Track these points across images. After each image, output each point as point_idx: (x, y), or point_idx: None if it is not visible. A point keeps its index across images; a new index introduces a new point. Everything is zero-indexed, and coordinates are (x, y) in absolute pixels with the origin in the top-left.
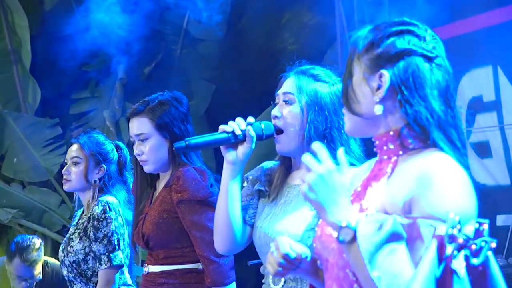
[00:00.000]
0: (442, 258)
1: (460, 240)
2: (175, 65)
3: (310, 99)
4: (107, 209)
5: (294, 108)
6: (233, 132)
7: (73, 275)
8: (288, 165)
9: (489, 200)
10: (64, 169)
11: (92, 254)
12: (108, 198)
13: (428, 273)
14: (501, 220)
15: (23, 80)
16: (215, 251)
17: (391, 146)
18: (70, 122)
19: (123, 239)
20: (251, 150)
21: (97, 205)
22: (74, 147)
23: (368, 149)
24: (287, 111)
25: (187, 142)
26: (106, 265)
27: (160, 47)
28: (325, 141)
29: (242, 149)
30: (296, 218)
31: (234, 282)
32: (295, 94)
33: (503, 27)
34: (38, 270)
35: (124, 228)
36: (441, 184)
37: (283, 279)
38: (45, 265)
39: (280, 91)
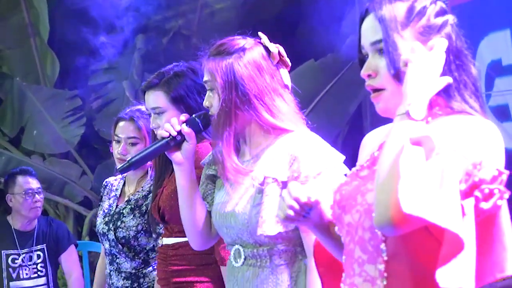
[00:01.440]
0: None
1: (476, 179)
2: (193, 33)
3: (223, 80)
4: None
5: (215, 94)
6: (170, 136)
7: (117, 250)
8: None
9: (510, 163)
10: (118, 148)
11: (154, 235)
12: None
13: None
14: None
15: (42, 52)
16: None
17: None
18: (89, 93)
19: None
20: (193, 146)
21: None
22: (129, 125)
23: None
24: (212, 98)
25: (129, 161)
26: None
27: (178, 16)
28: (242, 111)
29: (184, 148)
30: (242, 196)
31: None
32: (211, 80)
33: None
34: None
35: None
36: (469, 129)
37: (242, 256)
38: (50, 222)
39: (203, 80)
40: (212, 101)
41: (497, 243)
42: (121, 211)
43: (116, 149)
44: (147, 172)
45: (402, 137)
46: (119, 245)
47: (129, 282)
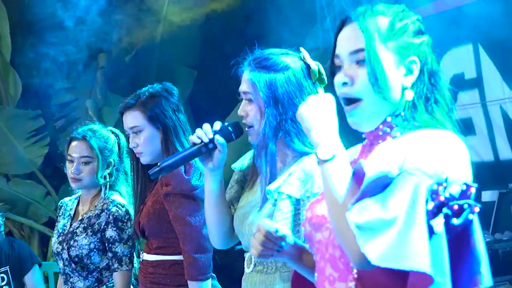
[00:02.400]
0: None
1: (442, 198)
2: (156, 52)
3: (265, 95)
4: (128, 210)
5: (254, 105)
6: (202, 143)
7: (71, 269)
8: None
9: (474, 176)
10: (72, 168)
11: (110, 254)
12: (119, 198)
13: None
14: (486, 196)
15: (4, 72)
16: (194, 246)
17: (387, 130)
18: (52, 113)
19: None
20: (225, 154)
21: (114, 205)
22: (82, 145)
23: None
24: (249, 109)
25: (161, 166)
26: (127, 266)
27: (140, 35)
28: (278, 134)
29: (216, 157)
30: (256, 207)
31: (209, 280)
32: (252, 92)
33: (483, 5)
34: None
35: None
36: (434, 144)
37: (252, 263)
38: (12, 243)
39: (240, 89)
40: (248, 112)
41: (470, 258)
42: (74, 230)
43: (70, 169)
44: (100, 191)
45: (332, 181)
46: (72, 263)
47: None
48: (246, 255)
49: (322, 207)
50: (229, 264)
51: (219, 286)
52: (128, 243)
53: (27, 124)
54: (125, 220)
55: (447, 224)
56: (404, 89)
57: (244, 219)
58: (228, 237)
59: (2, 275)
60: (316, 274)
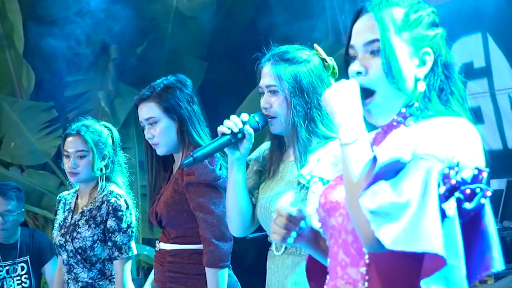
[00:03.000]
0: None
1: (453, 181)
2: (166, 43)
3: (290, 86)
4: (127, 200)
5: (279, 97)
6: (232, 133)
7: (75, 260)
8: (280, 143)
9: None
10: (69, 163)
11: (110, 243)
12: (117, 189)
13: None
14: (494, 184)
15: (17, 65)
16: (216, 234)
17: (401, 120)
18: (65, 104)
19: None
20: (251, 144)
21: (113, 195)
22: (76, 140)
23: None
24: (273, 101)
25: (194, 156)
26: (127, 254)
27: (151, 27)
28: (306, 122)
29: (243, 146)
30: (287, 192)
31: (227, 269)
32: (277, 84)
33: None
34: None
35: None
36: (446, 129)
37: (284, 246)
38: (33, 233)
39: (262, 84)
40: (272, 103)
41: (482, 242)
42: (76, 223)
43: (67, 164)
44: (97, 183)
45: (351, 163)
46: (78, 255)
47: None
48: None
49: (336, 192)
50: (241, 253)
51: (234, 275)
52: (127, 232)
53: (40, 116)
54: (124, 210)
55: (460, 208)
56: (417, 80)
57: (270, 206)
58: (247, 225)
59: (22, 264)
60: (329, 259)
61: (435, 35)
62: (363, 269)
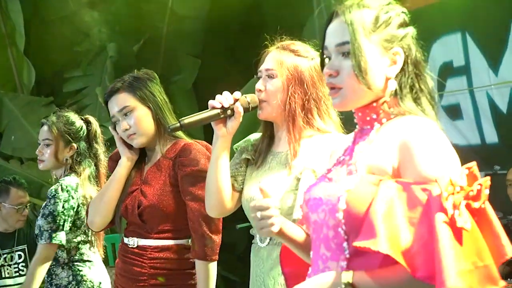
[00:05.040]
0: (446, 220)
1: (457, 196)
2: (162, 42)
3: (290, 73)
4: (59, 189)
5: (276, 81)
6: (222, 108)
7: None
8: (271, 133)
9: (461, 159)
10: (37, 150)
11: (38, 227)
12: (68, 179)
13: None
14: None
15: (18, 62)
16: (211, 226)
17: (374, 116)
18: (64, 100)
19: (72, 221)
20: (238, 123)
21: (55, 183)
22: (44, 128)
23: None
24: (269, 84)
25: (181, 122)
26: (46, 240)
27: (147, 25)
28: (303, 112)
29: (231, 123)
30: (276, 183)
31: (216, 263)
32: (277, 69)
33: None
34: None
35: (75, 210)
36: (423, 149)
37: (268, 237)
38: (30, 223)
39: (262, 67)
40: (266, 86)
41: (492, 232)
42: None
43: (37, 151)
44: (61, 175)
45: None
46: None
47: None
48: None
49: (319, 189)
50: (232, 242)
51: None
52: (47, 218)
53: (40, 110)
54: (50, 197)
55: (470, 211)
56: (388, 79)
57: (258, 196)
58: (224, 206)
59: (20, 252)
60: (311, 252)
61: (405, 35)
62: (343, 263)
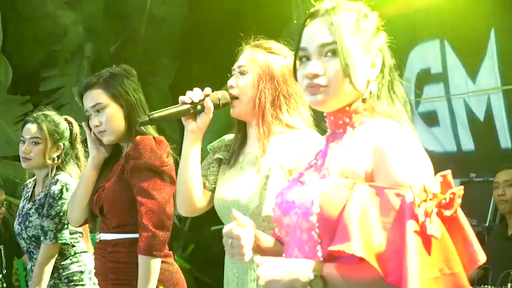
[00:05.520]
0: (417, 227)
1: (429, 204)
2: (139, 43)
3: (261, 70)
4: (65, 189)
5: (247, 78)
6: (192, 103)
7: (33, 247)
8: (244, 133)
9: (437, 166)
10: (23, 148)
11: (39, 228)
12: (65, 177)
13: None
14: None
15: None
16: (154, 220)
17: (347, 120)
18: (40, 99)
19: None
20: (209, 120)
21: (55, 183)
22: (33, 127)
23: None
24: (241, 80)
25: (150, 117)
26: (51, 240)
27: (125, 27)
28: (272, 108)
29: (201, 119)
30: (245, 184)
31: (160, 260)
32: (249, 65)
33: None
34: None
35: None
36: (397, 155)
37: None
38: (7, 223)
39: (236, 64)
40: (238, 83)
41: (464, 238)
42: (27, 212)
43: (21, 149)
44: (48, 174)
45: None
46: (33, 242)
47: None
48: None
49: (292, 193)
50: (207, 244)
51: (175, 264)
52: (54, 219)
53: (17, 109)
54: (57, 198)
55: (442, 218)
56: (369, 81)
57: (228, 196)
58: (194, 205)
59: None
60: (283, 255)
61: (381, 38)
62: None
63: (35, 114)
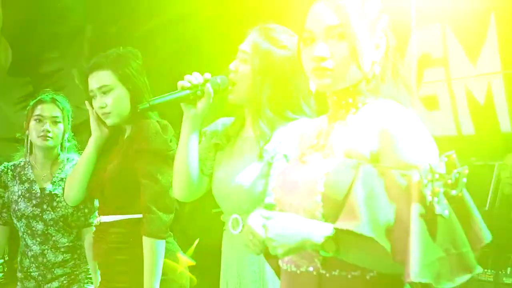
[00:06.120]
0: (424, 207)
1: (436, 184)
2: (140, 26)
3: (261, 62)
4: None
5: (246, 67)
6: (192, 88)
7: (57, 228)
8: (242, 117)
9: (438, 150)
10: (44, 126)
11: (86, 210)
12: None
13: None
14: None
15: None
16: (158, 203)
17: (350, 100)
18: (40, 80)
19: None
20: (208, 104)
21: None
22: (53, 107)
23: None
24: (240, 68)
25: (150, 103)
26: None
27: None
28: (271, 102)
29: (201, 104)
30: (246, 169)
31: (165, 242)
32: (252, 52)
33: None
34: None
35: None
36: (404, 137)
37: (240, 225)
38: None
39: (240, 46)
40: (239, 69)
41: (471, 218)
42: (53, 193)
43: (40, 128)
44: (58, 154)
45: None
46: (60, 222)
47: (69, 254)
48: (230, 218)
49: (295, 172)
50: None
51: (175, 242)
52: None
53: (16, 90)
54: None
55: (448, 198)
56: (374, 63)
57: (229, 181)
58: (190, 189)
59: None
60: None
61: (384, 20)
62: None
63: (47, 94)
